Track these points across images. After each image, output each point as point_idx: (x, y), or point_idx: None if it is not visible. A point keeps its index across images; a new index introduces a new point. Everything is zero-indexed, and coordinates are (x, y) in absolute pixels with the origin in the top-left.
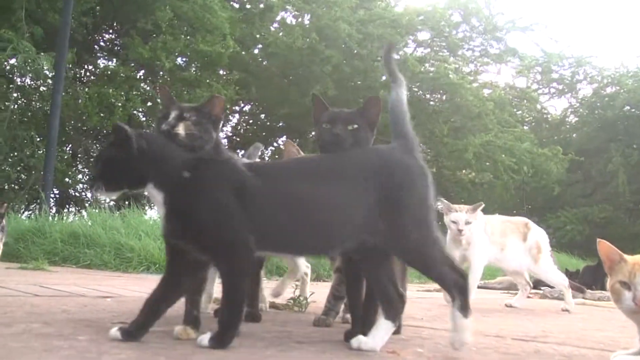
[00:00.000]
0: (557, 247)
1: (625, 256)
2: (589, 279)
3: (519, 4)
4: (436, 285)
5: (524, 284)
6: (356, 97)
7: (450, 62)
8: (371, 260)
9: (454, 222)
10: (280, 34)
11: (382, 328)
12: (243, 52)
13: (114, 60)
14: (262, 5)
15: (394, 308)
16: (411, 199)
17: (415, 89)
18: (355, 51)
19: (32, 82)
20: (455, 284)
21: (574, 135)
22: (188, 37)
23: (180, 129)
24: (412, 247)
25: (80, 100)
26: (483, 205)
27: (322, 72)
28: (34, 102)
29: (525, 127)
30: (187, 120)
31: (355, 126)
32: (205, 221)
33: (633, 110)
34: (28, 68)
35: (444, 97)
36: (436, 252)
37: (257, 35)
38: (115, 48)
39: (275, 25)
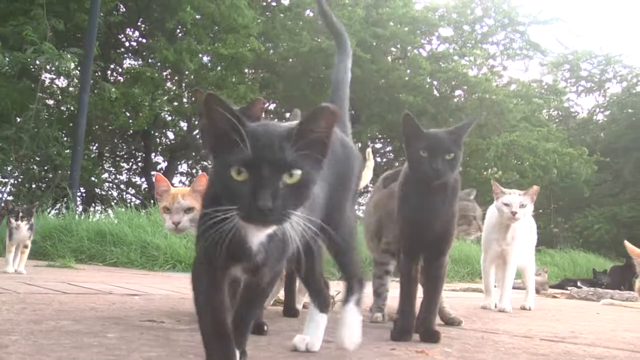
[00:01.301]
0: (584, 247)
1: None
2: (616, 279)
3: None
4: (462, 285)
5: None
6: (379, 97)
7: (471, 57)
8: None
9: (506, 204)
10: (305, 32)
11: (322, 324)
12: (271, 51)
13: (140, 60)
14: (286, 2)
15: (326, 300)
16: (352, 181)
17: (435, 85)
18: (368, 56)
19: (59, 82)
20: (358, 276)
21: (602, 134)
22: (211, 36)
23: None
24: (344, 225)
25: (109, 98)
26: (537, 189)
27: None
28: (60, 101)
29: (553, 126)
30: None
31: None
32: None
33: None
34: (52, 68)
35: (465, 94)
36: (355, 236)
37: (283, 31)
38: (141, 48)
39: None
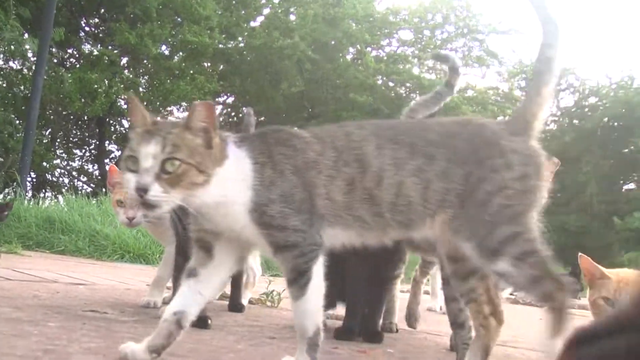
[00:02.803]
0: None
1: (607, 272)
2: None
3: (501, 10)
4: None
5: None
6: (336, 96)
7: (428, 62)
8: None
9: None
10: (260, 28)
11: None
12: (230, 44)
13: (99, 45)
14: None
15: None
16: None
17: (391, 86)
18: (319, 56)
19: (14, 64)
20: None
21: (553, 144)
22: (175, 25)
23: None
24: None
25: (62, 84)
26: None
27: (288, 68)
28: (15, 84)
29: None
30: None
31: None
32: None
33: (611, 122)
34: (12, 49)
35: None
36: None
37: (243, 26)
38: (100, 34)
39: (261, 18)
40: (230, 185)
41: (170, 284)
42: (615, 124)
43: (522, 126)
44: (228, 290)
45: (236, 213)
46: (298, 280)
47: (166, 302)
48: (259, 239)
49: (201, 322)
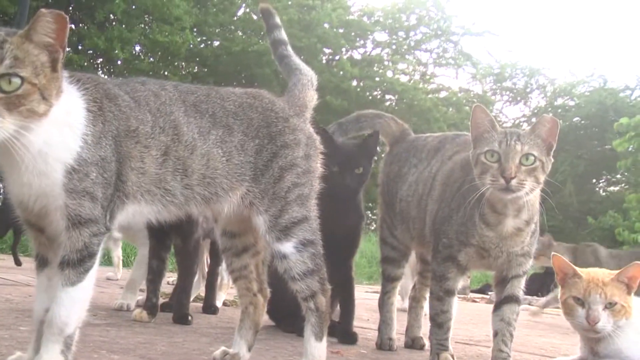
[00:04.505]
0: None
1: (579, 271)
2: (535, 287)
3: (474, 12)
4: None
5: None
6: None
7: (400, 64)
8: None
9: None
10: (239, 31)
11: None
12: (202, 45)
13: (69, 48)
14: None
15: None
16: None
17: (365, 89)
18: (302, 56)
19: None
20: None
21: None
22: (145, 27)
23: None
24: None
25: None
26: None
27: (264, 72)
28: None
29: None
30: None
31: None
32: None
33: (583, 121)
34: None
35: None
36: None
37: (218, 29)
38: (73, 38)
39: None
40: (57, 131)
41: (144, 286)
42: (588, 123)
43: (302, 109)
44: (202, 292)
45: (52, 172)
46: (83, 263)
47: (139, 304)
48: (56, 209)
49: (182, 318)
